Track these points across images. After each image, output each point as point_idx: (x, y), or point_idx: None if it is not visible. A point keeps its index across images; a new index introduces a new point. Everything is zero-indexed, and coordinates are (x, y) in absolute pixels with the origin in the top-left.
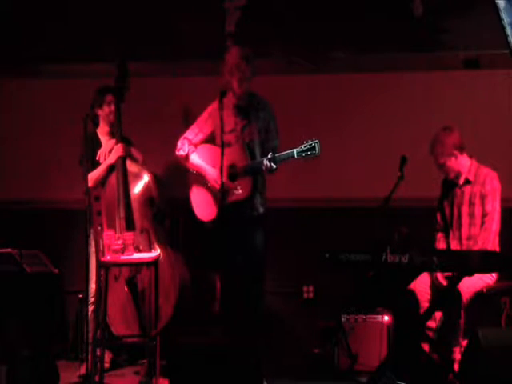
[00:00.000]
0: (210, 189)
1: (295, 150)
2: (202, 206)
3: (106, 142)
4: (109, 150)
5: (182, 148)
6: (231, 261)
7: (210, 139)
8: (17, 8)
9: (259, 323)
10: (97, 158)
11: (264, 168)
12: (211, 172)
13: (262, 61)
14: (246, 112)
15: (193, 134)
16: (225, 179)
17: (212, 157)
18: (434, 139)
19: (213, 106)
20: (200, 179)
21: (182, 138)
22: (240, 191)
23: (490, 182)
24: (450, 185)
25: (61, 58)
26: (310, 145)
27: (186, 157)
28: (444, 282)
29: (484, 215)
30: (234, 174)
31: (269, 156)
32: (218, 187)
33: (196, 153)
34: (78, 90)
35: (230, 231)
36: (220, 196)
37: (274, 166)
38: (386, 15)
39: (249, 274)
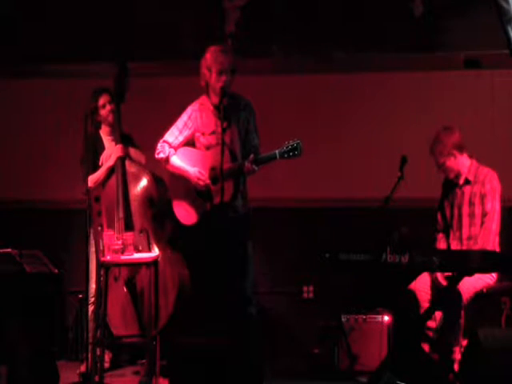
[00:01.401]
0: (189, 192)
1: (277, 152)
2: (183, 210)
3: (110, 144)
4: (109, 154)
5: (162, 151)
6: (214, 263)
7: (190, 142)
8: (17, 8)
9: (251, 321)
10: (100, 164)
11: (246, 170)
12: (192, 171)
13: (261, 61)
14: (226, 113)
15: (173, 136)
16: (207, 181)
17: (193, 159)
18: (434, 138)
19: (192, 108)
20: (181, 183)
21: (161, 141)
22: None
23: (489, 182)
24: (451, 185)
25: (60, 58)
26: (291, 145)
27: (167, 159)
28: (444, 282)
29: (484, 215)
30: (215, 177)
31: (250, 158)
32: (201, 184)
33: (176, 155)
34: (78, 90)
35: (211, 234)
36: (214, 197)
37: (256, 169)
38: (385, 15)
39: (233, 275)
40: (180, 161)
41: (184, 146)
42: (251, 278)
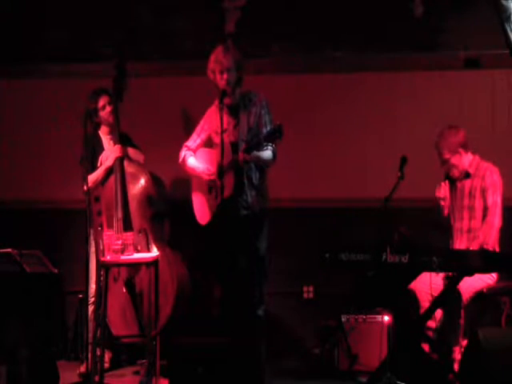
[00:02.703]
0: (204, 192)
1: (261, 136)
2: (200, 210)
3: (109, 144)
4: (108, 155)
5: (181, 155)
6: (226, 261)
7: (208, 144)
8: (16, 8)
9: (258, 324)
10: (98, 164)
11: (240, 160)
12: (201, 167)
13: (261, 61)
14: (236, 111)
15: (191, 141)
16: (212, 176)
17: (205, 158)
18: (439, 135)
19: (209, 111)
20: (197, 182)
21: (183, 146)
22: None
23: (490, 176)
24: (452, 179)
25: (60, 58)
26: (273, 129)
27: (183, 162)
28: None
29: (485, 209)
30: (222, 172)
31: (242, 148)
32: (206, 178)
33: (194, 157)
34: (78, 90)
35: (224, 231)
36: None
37: (248, 157)
38: (385, 15)
39: (244, 274)
40: (194, 161)
41: (202, 148)
42: (262, 280)
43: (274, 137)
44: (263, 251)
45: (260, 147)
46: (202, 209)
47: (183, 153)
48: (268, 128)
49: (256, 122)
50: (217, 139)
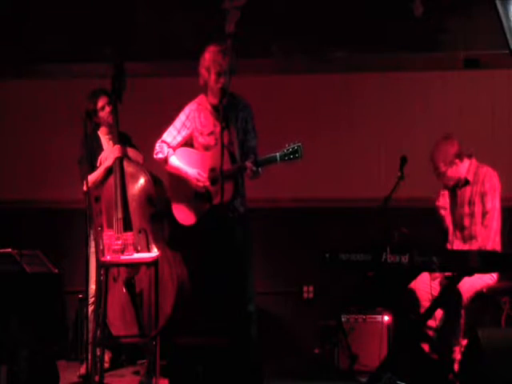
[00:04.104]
0: (188, 193)
1: (278, 154)
2: (183, 210)
3: (108, 144)
4: (108, 155)
5: (161, 151)
6: (214, 263)
7: (188, 142)
8: (17, 8)
9: (250, 322)
10: (97, 164)
11: (248, 171)
12: (192, 172)
13: (261, 61)
14: (224, 113)
15: (171, 137)
16: (206, 182)
17: (192, 160)
18: (434, 148)
19: (190, 108)
20: (180, 183)
21: (159, 141)
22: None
23: (489, 180)
24: (452, 186)
25: (60, 58)
26: (292, 148)
27: (165, 160)
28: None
29: (484, 213)
30: (215, 178)
31: (251, 159)
32: (200, 185)
33: (175, 156)
34: (78, 90)
35: (210, 234)
36: (214, 197)
37: (255, 169)
38: (385, 15)
39: (233, 275)
40: (179, 161)
41: (183, 147)
42: (251, 278)
43: (293, 157)
44: (249, 251)
45: (271, 164)
46: (185, 209)
47: (164, 150)
48: (252, 134)
49: (242, 128)
50: (202, 140)
